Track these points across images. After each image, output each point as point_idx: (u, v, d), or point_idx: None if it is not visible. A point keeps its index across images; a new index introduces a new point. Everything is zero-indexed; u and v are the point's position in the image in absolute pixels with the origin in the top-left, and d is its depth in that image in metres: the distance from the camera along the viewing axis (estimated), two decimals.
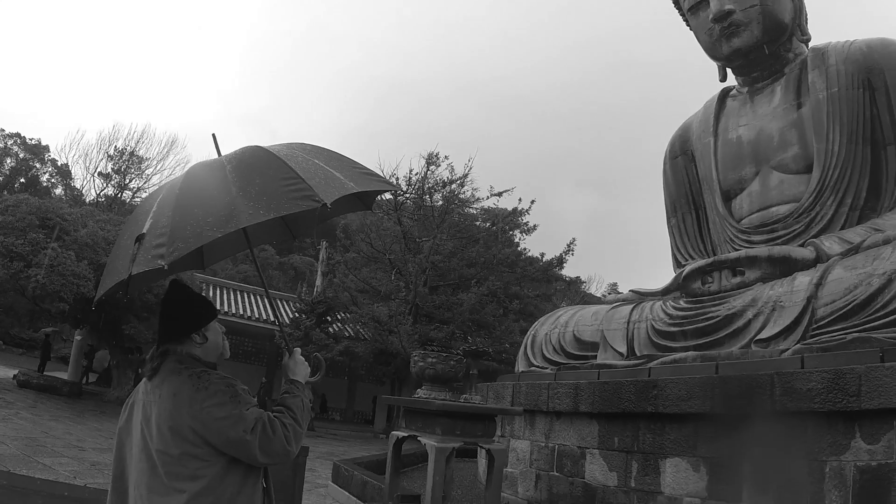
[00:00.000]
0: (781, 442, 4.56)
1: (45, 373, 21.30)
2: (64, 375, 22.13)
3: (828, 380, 4.24)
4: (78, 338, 23.16)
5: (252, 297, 28.19)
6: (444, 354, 6.75)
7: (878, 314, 4.89)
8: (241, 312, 24.91)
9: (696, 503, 5.26)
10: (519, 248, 26.14)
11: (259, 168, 2.22)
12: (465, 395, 6.69)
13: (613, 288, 37.88)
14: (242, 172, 2.19)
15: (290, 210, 2.15)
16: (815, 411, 4.30)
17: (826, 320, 5.31)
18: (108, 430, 13.33)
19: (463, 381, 7.34)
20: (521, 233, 25.63)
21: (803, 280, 5.81)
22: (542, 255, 24.70)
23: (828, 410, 4.22)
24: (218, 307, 19.70)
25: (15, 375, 19.55)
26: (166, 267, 1.95)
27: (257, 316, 25.63)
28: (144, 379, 2.28)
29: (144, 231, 2.13)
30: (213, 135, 2.64)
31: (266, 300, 24.54)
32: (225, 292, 27.24)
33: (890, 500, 3.88)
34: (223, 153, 2.42)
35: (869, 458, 4.08)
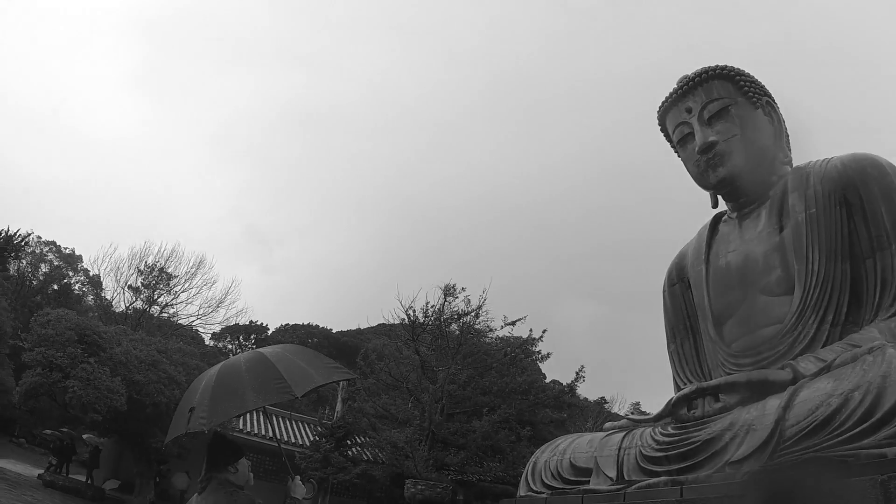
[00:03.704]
0: None
1: (69, 476, 21.70)
2: (82, 477, 22.56)
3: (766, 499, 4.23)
4: (102, 440, 23.65)
5: (280, 420, 28.67)
6: (432, 483, 7.09)
7: (835, 433, 4.92)
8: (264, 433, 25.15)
9: None
10: (534, 375, 26.24)
11: (260, 370, 3.57)
12: None
13: (636, 408, 36.94)
14: (251, 372, 3.56)
15: (275, 400, 3.66)
16: None
17: (792, 440, 5.31)
18: None
19: None
20: (534, 360, 25.91)
21: (773, 403, 5.85)
22: (555, 381, 24.77)
23: None
24: (251, 429, 20.45)
25: (40, 475, 20.07)
26: (206, 431, 3.38)
27: (280, 437, 26.08)
28: (196, 493, 3.46)
29: (195, 405, 3.47)
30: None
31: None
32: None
33: None
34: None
35: None
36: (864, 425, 4.79)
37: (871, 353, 5.43)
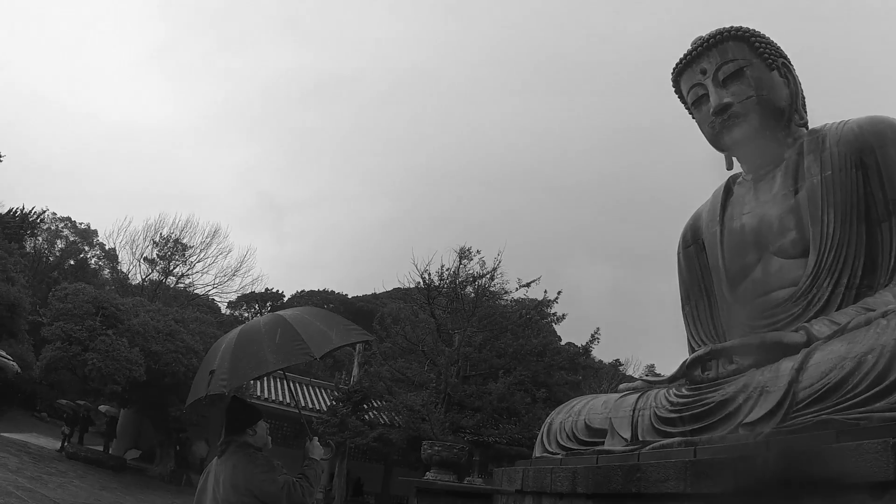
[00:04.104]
0: None
1: (87, 446, 22.21)
2: (101, 448, 23.10)
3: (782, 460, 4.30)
4: (122, 411, 24.10)
5: (297, 385, 28.99)
6: (448, 444, 7.25)
7: (848, 396, 4.95)
8: (282, 399, 25.46)
9: None
10: (549, 337, 26.41)
11: (279, 332, 3.59)
12: (468, 478, 6.95)
13: (650, 369, 37.13)
14: (270, 334, 3.58)
15: (294, 361, 3.64)
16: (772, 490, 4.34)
17: (804, 403, 5.36)
18: (152, 502, 13.87)
19: (467, 466, 7.83)
20: (549, 322, 25.98)
21: (787, 365, 5.89)
22: (570, 344, 24.91)
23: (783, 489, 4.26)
24: (268, 395, 20.82)
25: (61, 448, 20.59)
26: (227, 393, 3.43)
27: (298, 403, 26.36)
28: (216, 457, 3.55)
29: (214, 368, 3.54)
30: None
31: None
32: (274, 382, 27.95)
33: None
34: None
35: None
36: (876, 388, 4.81)
37: (885, 317, 5.44)
